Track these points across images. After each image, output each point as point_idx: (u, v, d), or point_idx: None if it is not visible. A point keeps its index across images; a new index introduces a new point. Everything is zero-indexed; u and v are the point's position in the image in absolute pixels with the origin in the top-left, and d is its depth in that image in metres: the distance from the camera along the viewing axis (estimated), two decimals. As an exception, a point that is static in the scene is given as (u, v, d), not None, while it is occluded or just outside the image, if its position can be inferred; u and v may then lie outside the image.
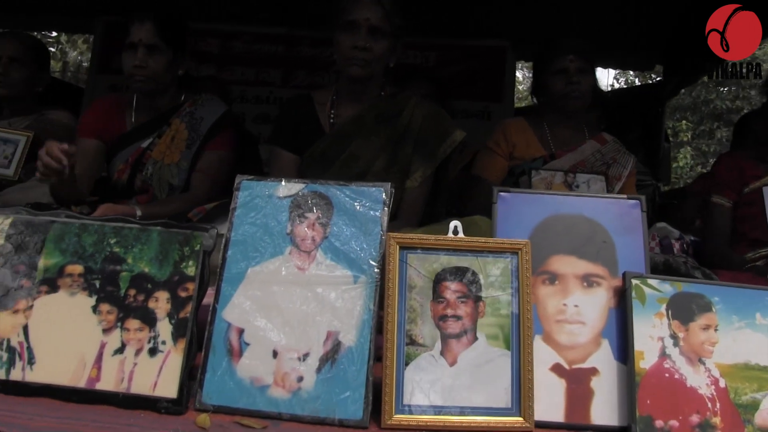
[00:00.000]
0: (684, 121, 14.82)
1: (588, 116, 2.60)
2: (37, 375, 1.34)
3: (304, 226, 1.44)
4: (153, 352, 1.34)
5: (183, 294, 1.38)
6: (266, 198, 1.47)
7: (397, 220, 2.17)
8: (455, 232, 1.44)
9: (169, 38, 2.35)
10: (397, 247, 1.38)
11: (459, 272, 1.38)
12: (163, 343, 1.35)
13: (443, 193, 2.31)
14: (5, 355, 1.36)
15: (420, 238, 1.39)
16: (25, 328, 1.38)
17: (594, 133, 2.61)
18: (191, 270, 1.39)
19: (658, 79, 5.05)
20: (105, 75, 4.11)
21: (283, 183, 1.48)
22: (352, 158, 2.19)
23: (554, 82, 2.48)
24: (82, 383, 1.33)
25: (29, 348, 1.36)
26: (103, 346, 1.36)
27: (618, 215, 1.53)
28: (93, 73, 4.12)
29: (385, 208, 1.45)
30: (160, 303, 1.38)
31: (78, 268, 1.41)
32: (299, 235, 1.43)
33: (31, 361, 1.35)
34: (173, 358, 1.34)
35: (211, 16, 4.16)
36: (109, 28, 4.29)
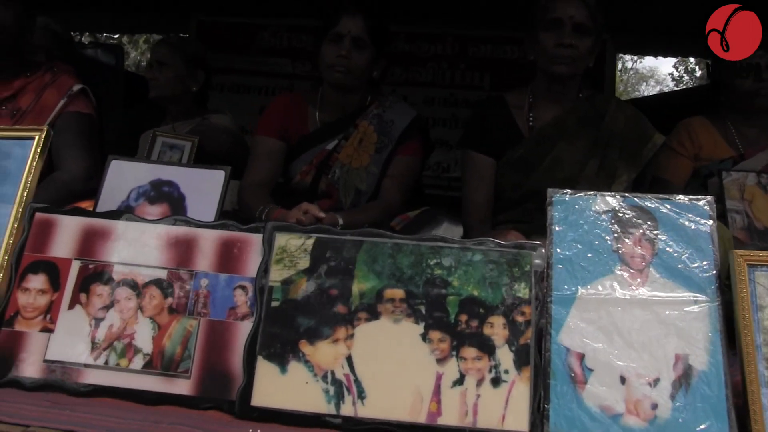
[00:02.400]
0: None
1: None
2: (370, 410, 1.27)
3: (631, 242, 1.37)
4: (496, 382, 1.27)
5: (520, 318, 1.31)
6: (583, 213, 1.40)
7: None
8: (793, 246, 1.37)
9: (375, 36, 2.27)
10: (745, 264, 1.32)
11: (806, 290, 1.32)
12: (506, 372, 1.28)
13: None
14: (332, 389, 1.28)
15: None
16: (349, 359, 1.30)
17: (781, 132, 2.54)
18: (524, 292, 1.32)
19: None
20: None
21: (597, 197, 1.41)
22: (556, 163, 2.12)
23: (741, 79, 2.41)
24: (421, 418, 1.26)
25: (357, 381, 1.28)
26: (439, 377, 1.28)
27: None
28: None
29: (712, 223, 1.38)
30: (497, 329, 1.30)
31: (399, 293, 1.33)
32: (628, 253, 1.36)
33: (361, 395, 1.28)
34: (519, 388, 1.27)
35: (308, 12, 4.06)
36: (202, 27, 4.19)
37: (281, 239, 1.38)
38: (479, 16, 3.87)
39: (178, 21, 4.32)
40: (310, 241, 1.38)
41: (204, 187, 1.59)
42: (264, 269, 1.37)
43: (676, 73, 17.46)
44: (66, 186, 2.02)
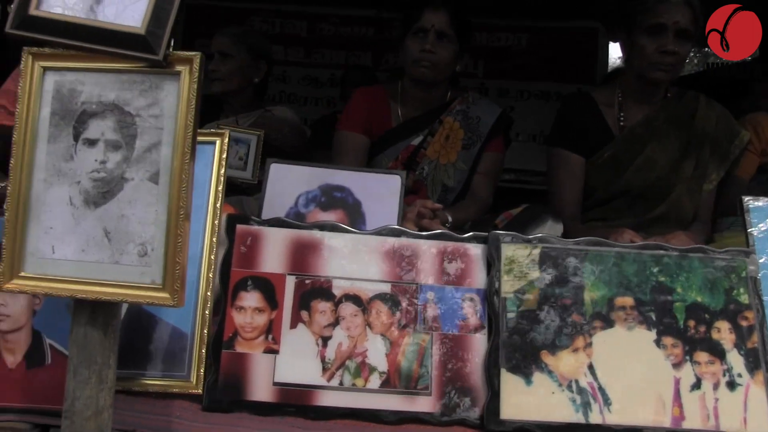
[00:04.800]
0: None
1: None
2: (617, 417, 1.36)
3: (827, 246, 1.53)
4: (731, 386, 1.39)
5: (744, 323, 1.44)
6: (778, 219, 1.55)
7: (696, 223, 2.30)
8: None
9: (458, 30, 2.33)
10: None
11: None
12: (739, 375, 1.40)
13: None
14: (578, 398, 1.36)
15: None
16: (591, 367, 1.39)
17: None
18: (744, 298, 1.45)
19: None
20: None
21: (789, 203, 1.57)
22: (648, 162, 2.26)
23: None
24: (667, 423, 1.36)
25: (601, 388, 1.37)
26: (677, 382, 1.39)
27: None
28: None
29: None
30: (723, 333, 1.43)
31: (629, 300, 1.43)
32: (825, 256, 1.52)
33: (607, 402, 1.37)
34: (754, 392, 1.39)
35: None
36: (187, 10, 4.09)
37: (508, 250, 1.44)
38: (474, 4, 3.98)
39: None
40: (537, 251, 1.45)
41: (380, 193, 1.61)
42: (495, 280, 1.42)
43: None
44: None
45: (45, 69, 1.06)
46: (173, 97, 1.03)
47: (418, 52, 2.30)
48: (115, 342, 1.07)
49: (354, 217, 1.57)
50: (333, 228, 1.43)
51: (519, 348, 1.37)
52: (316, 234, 1.42)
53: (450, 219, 2.05)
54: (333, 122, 3.57)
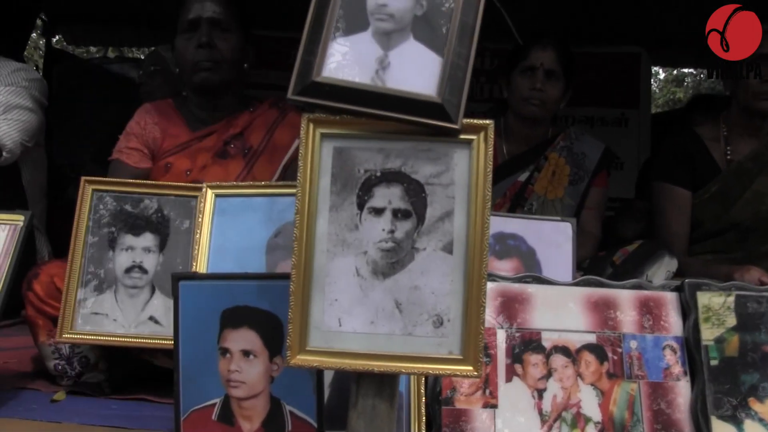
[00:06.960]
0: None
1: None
2: (822, 461, 1.33)
3: None
4: None
5: None
6: None
7: None
8: None
9: (566, 67, 2.31)
10: None
11: None
12: None
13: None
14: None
15: None
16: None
17: None
18: None
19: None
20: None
21: None
22: (756, 196, 2.25)
23: None
24: None
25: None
26: None
27: None
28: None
29: None
30: None
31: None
32: None
33: (810, 448, 1.34)
34: None
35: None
36: None
37: (703, 297, 1.42)
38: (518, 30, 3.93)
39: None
40: (731, 299, 1.42)
41: (553, 240, 1.57)
42: (694, 328, 1.39)
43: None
44: None
45: (323, 135, 1.00)
46: (464, 166, 0.99)
47: (528, 90, 2.28)
48: (396, 413, 1.01)
49: (529, 265, 1.53)
50: (535, 279, 1.38)
51: (726, 395, 1.36)
52: (520, 286, 1.38)
53: None
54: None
